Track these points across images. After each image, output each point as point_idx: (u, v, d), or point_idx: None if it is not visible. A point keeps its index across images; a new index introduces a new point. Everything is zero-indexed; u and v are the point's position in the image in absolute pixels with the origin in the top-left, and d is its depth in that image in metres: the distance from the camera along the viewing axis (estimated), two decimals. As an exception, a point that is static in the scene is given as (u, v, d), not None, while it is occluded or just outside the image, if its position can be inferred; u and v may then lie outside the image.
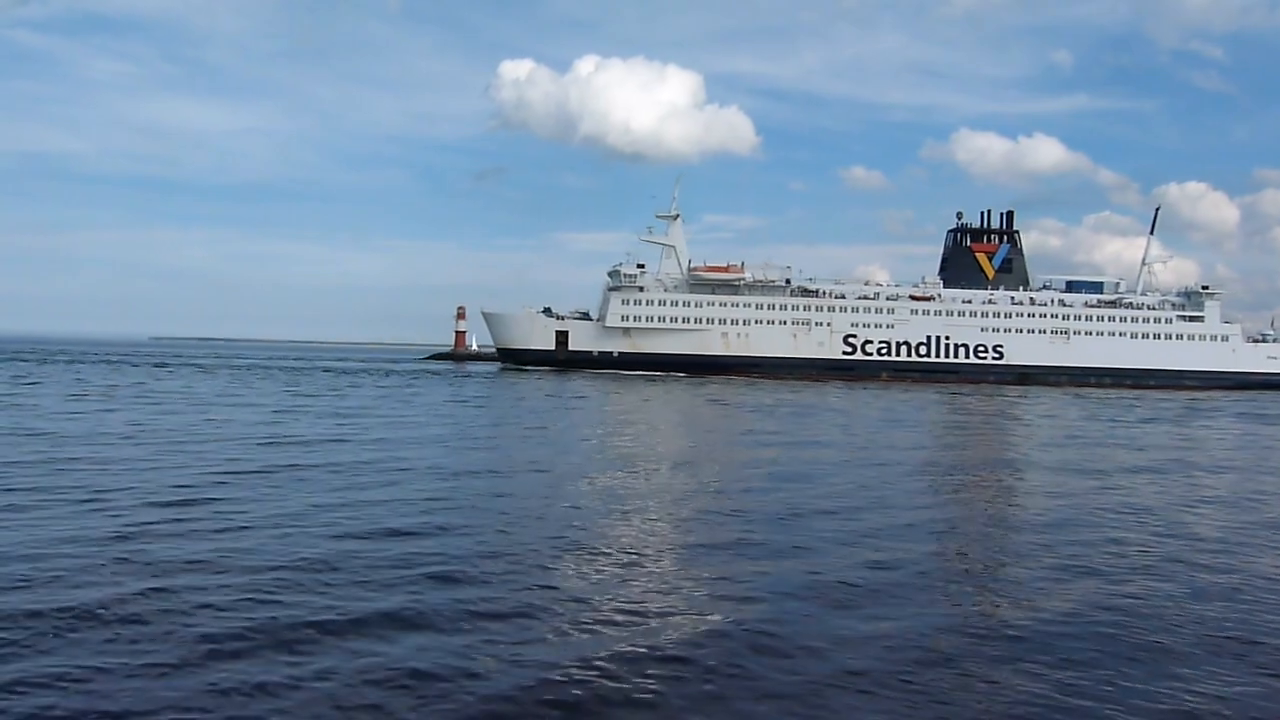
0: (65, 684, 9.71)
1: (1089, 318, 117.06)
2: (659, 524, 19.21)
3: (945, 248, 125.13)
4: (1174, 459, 34.66)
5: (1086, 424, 51.57)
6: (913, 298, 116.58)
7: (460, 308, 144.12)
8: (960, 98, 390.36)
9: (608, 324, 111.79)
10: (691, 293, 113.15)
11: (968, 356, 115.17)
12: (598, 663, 10.74)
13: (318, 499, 20.41)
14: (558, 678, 10.28)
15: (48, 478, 22.11)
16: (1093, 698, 10.16)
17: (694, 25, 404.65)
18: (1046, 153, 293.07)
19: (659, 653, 11.15)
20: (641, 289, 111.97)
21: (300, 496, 20.67)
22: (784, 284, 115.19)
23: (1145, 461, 33.32)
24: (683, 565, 15.64)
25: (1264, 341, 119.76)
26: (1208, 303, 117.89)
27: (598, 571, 14.92)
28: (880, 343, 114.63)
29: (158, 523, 17.34)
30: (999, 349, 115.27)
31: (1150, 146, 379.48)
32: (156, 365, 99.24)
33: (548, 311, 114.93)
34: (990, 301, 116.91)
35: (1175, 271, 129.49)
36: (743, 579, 14.67)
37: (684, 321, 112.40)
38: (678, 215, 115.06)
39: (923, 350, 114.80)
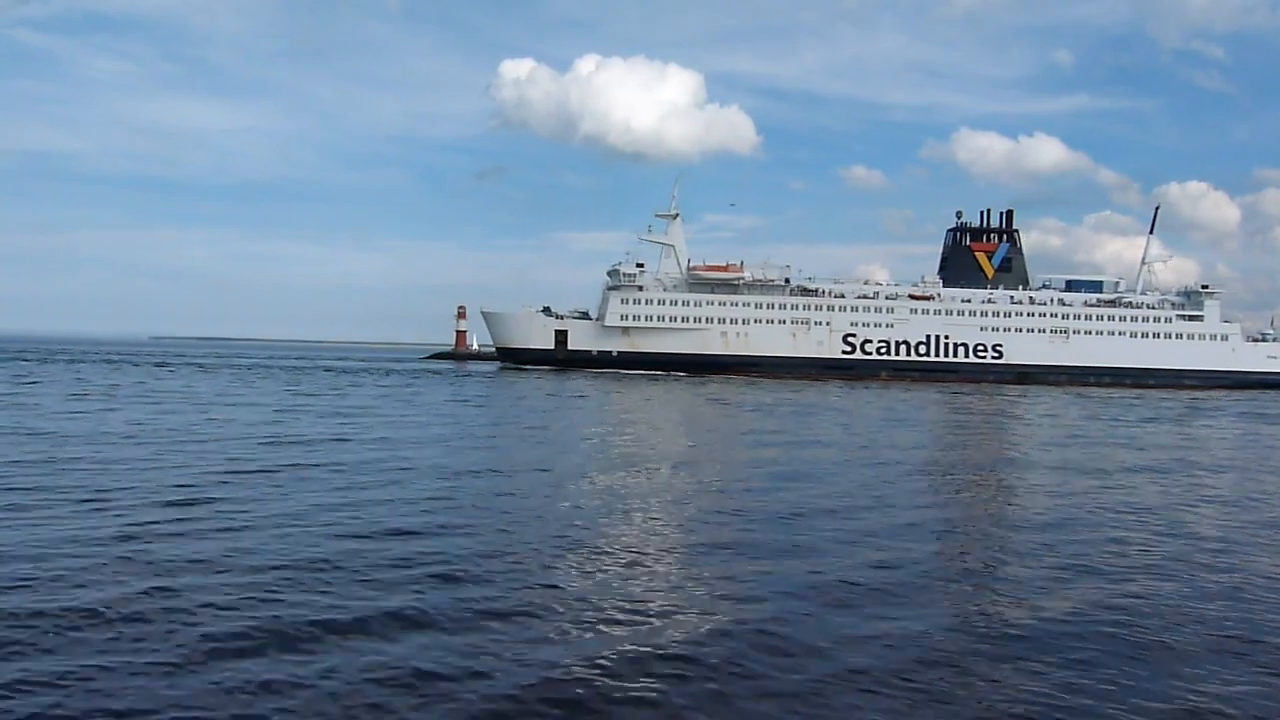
0: (68, 683, 9.72)
1: (1088, 317, 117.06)
2: (660, 523, 19.23)
3: (945, 247, 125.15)
4: (1175, 458, 34.67)
5: (1087, 423, 51.59)
6: (912, 297, 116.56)
7: (461, 307, 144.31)
8: (961, 97, 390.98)
9: (607, 323, 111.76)
10: (691, 292, 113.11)
11: (967, 356, 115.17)
12: (600, 661, 10.75)
13: (319, 499, 20.42)
14: (561, 676, 10.30)
15: (49, 477, 22.11)
16: (1095, 696, 10.17)
17: (694, 25, 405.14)
18: (1047, 152, 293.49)
19: (661, 651, 11.16)
20: (641, 288, 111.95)
21: (302, 496, 20.67)
22: (783, 283, 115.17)
23: (1147, 461, 33.32)
24: (684, 564, 15.65)
25: (1264, 341, 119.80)
26: (1207, 302, 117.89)
27: (600, 571, 14.94)
28: (879, 342, 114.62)
29: (160, 522, 17.35)
30: (998, 348, 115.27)
31: (1151, 146, 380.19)
32: (157, 365, 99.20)
33: (547, 311, 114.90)
34: (990, 301, 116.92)
35: (1176, 271, 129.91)
36: (745, 578, 14.68)
37: (683, 321, 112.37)
38: (677, 214, 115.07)
39: (922, 349, 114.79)
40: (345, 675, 10.16)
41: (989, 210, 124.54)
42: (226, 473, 23.57)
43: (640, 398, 63.95)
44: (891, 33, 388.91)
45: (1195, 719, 9.77)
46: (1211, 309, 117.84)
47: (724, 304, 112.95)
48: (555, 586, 13.89)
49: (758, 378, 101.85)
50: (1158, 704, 10.03)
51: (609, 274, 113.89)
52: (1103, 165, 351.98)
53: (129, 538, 16.01)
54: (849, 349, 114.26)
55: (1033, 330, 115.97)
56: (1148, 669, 11.07)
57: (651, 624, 12.26)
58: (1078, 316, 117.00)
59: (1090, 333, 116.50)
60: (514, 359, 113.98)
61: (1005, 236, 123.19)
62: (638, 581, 14.38)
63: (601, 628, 12.03)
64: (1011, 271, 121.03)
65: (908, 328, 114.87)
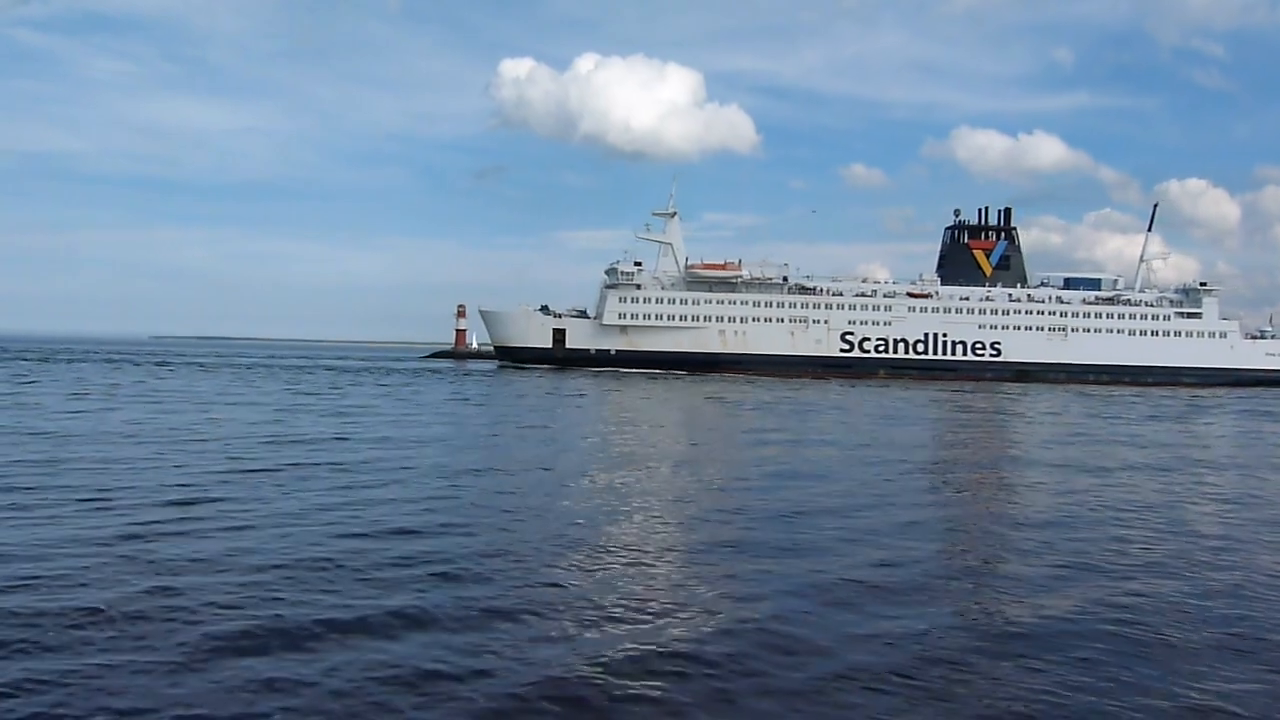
0: (71, 682, 9.72)
1: (1087, 315, 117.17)
2: (662, 521, 19.25)
3: (943, 245, 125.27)
4: (1178, 456, 34.73)
5: (1088, 421, 51.64)
6: (910, 295, 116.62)
7: (460, 306, 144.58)
8: (961, 95, 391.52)
9: (605, 322, 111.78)
10: (689, 291, 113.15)
11: (965, 354, 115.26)
12: (603, 660, 10.76)
13: (321, 498, 20.42)
14: (563, 675, 10.30)
15: (51, 477, 22.09)
16: (1097, 694, 10.18)
17: (694, 24, 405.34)
18: (1047, 150, 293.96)
19: (664, 649, 11.17)
20: (639, 287, 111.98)
21: (304, 495, 20.68)
22: (781, 282, 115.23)
23: (1149, 459, 33.34)
24: (686, 563, 15.67)
25: (1262, 338, 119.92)
26: (1206, 299, 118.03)
27: (601, 569, 14.95)
28: (878, 340, 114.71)
29: (161, 522, 17.35)
30: (996, 346, 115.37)
31: (1151, 144, 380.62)
32: (158, 364, 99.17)
33: (545, 309, 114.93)
34: (988, 299, 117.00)
35: (1176, 268, 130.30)
36: (746, 576, 14.71)
37: (681, 319, 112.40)
38: (675, 213, 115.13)
39: (920, 347, 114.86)
40: (348, 674, 10.17)
41: (987, 208, 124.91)
42: (228, 472, 23.58)
43: (639, 396, 63.99)
44: (892, 30, 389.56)
45: (1198, 717, 9.78)
46: (1210, 306, 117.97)
47: (722, 302, 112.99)
48: (557, 585, 13.91)
49: (756, 376, 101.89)
50: (1160, 702, 10.04)
51: (607, 273, 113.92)
52: (1103, 163, 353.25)
53: (131, 537, 16.01)
54: (847, 347, 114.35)
55: (1031, 328, 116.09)
56: (1150, 667, 11.08)
57: (653, 622, 12.27)
58: (1076, 314, 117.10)
59: (1089, 330, 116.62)
60: (512, 358, 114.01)
61: (1003, 234, 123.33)
62: (639, 580, 14.39)
63: (603, 626, 12.05)
64: (1010, 269, 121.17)
65: (906, 326, 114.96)
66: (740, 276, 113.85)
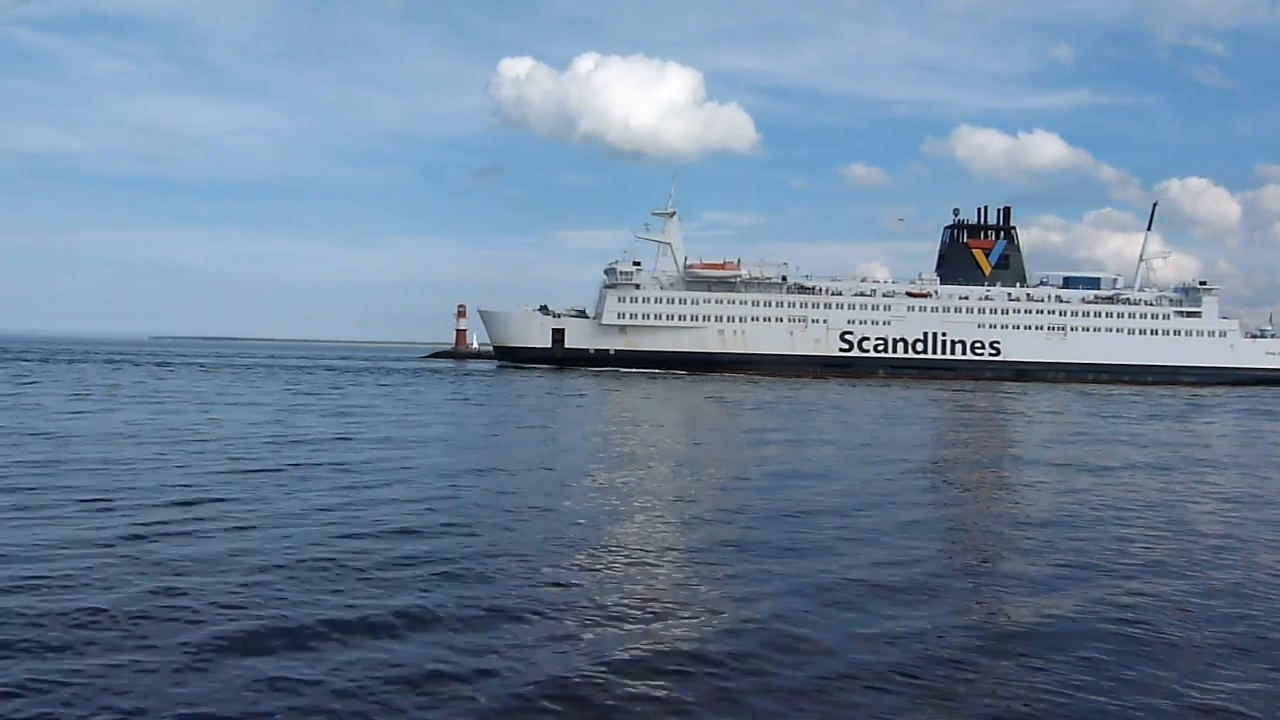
0: (76, 683, 9.73)
1: (1086, 314, 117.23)
2: (664, 521, 19.26)
3: (942, 244, 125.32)
4: (1180, 455, 34.76)
5: (1089, 420, 51.66)
6: (909, 294, 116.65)
7: (460, 306, 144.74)
8: (962, 93, 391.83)
9: (604, 322, 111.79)
10: (687, 290, 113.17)
11: (964, 353, 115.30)
12: (606, 659, 10.77)
13: (323, 498, 20.43)
14: (567, 674, 10.31)
15: (52, 478, 22.10)
16: (1099, 693, 10.20)
17: (694, 24, 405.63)
18: (1047, 149, 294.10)
19: (667, 649, 11.19)
20: (637, 286, 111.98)
21: (305, 495, 20.69)
22: (780, 281, 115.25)
23: (1150, 458, 33.35)
24: (688, 562, 15.68)
25: (1262, 337, 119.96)
26: (1205, 298, 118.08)
27: (604, 569, 14.96)
28: (877, 339, 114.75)
29: (164, 522, 17.35)
30: (996, 345, 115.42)
31: (1151, 142, 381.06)
32: (158, 364, 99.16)
33: (544, 309, 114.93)
34: (987, 298, 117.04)
35: (1176, 267, 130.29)
36: (749, 576, 14.72)
37: (680, 319, 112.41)
38: (674, 212, 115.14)
39: (919, 347, 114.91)
40: (351, 674, 10.18)
41: (986, 207, 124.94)
42: (229, 472, 23.60)
43: (639, 396, 64.02)
44: (893, 29, 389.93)
45: (1201, 716, 9.80)
46: (1209, 305, 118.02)
47: (721, 302, 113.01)
48: (559, 585, 13.92)
49: (755, 375, 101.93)
50: (1162, 701, 10.06)
51: (606, 272, 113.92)
52: (1103, 161, 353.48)
53: (133, 538, 16.02)
54: (846, 347, 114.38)
55: (1030, 327, 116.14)
56: (1152, 666, 11.09)
57: (656, 622, 12.28)
58: (1075, 313, 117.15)
59: (1088, 329, 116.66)
60: (511, 358, 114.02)
61: (1002, 233, 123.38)
62: (641, 579, 14.41)
63: (606, 625, 12.06)
64: (1009, 269, 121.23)
65: (905, 325, 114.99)
66: (739, 276, 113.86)
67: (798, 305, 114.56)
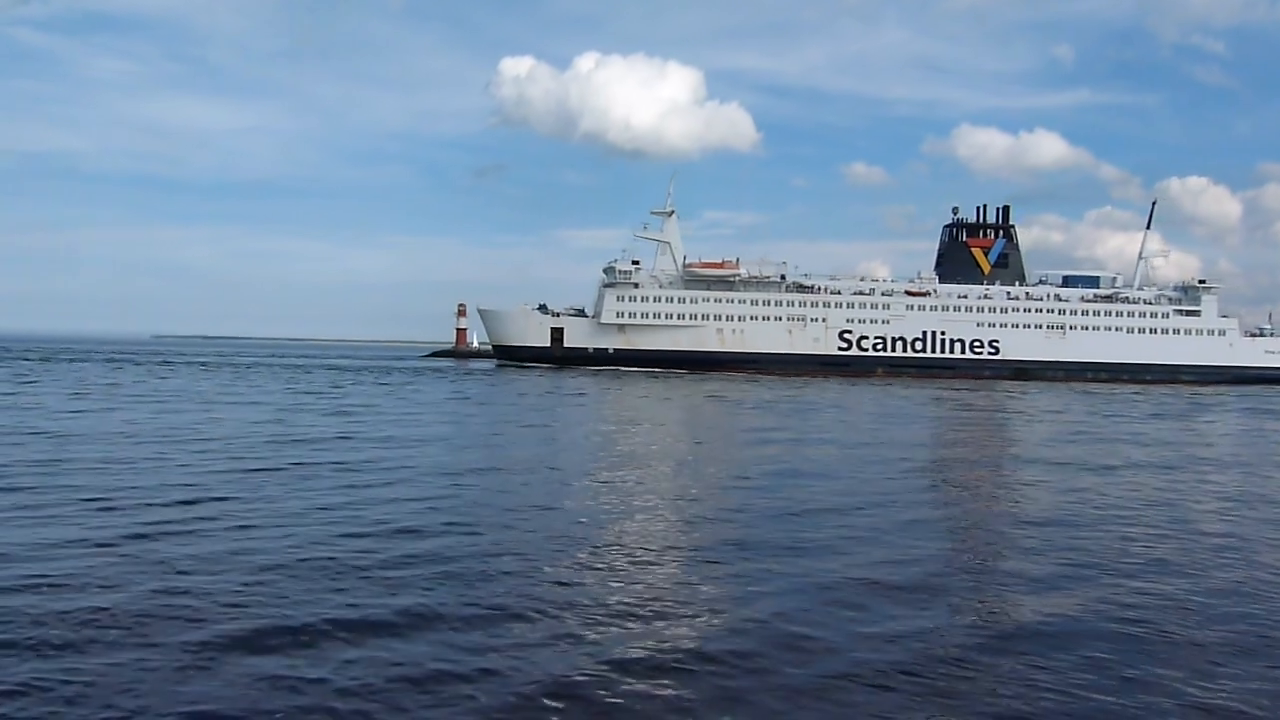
0: (79, 682, 9.73)
1: (1085, 312, 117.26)
2: (666, 521, 19.27)
3: (941, 243, 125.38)
4: (1181, 454, 34.76)
5: (1090, 419, 51.67)
6: (908, 293, 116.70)
7: (461, 305, 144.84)
8: (963, 93, 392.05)
9: (603, 321, 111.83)
10: (686, 289, 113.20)
11: (963, 352, 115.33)
12: (609, 658, 10.78)
13: (325, 497, 20.44)
14: (570, 673, 10.32)
15: (53, 477, 22.10)
16: (1101, 692, 10.20)
17: (696, 23, 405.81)
18: (1048, 148, 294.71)
19: (670, 648, 11.19)
20: (636, 285, 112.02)
21: (307, 495, 20.70)
22: (779, 280, 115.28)
23: (1152, 457, 33.37)
24: (690, 561, 15.69)
25: (1261, 336, 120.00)
26: (1205, 297, 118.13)
27: (606, 568, 14.97)
28: (876, 338, 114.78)
29: (166, 522, 17.36)
30: (995, 344, 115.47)
31: (1152, 141, 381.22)
32: (160, 364, 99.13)
33: (543, 308, 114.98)
34: (986, 296, 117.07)
35: (1177, 266, 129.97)
36: (751, 575, 14.73)
37: (679, 318, 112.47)
38: (673, 212, 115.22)
39: (918, 346, 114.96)
40: (354, 673, 10.19)
41: (985, 206, 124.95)
42: (231, 471, 23.60)
43: (639, 395, 64.04)
44: (895, 28, 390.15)
45: (1203, 715, 9.80)
46: (1209, 304, 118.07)
47: (719, 301, 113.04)
48: (562, 584, 13.93)
49: (754, 375, 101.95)
50: (1165, 700, 10.06)
51: (605, 271, 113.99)
52: (1104, 160, 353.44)
53: (135, 537, 16.02)
54: (845, 345, 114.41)
55: (1029, 326, 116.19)
56: (1154, 665, 11.09)
57: (658, 621, 12.28)
58: (1074, 312, 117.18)
59: (1087, 328, 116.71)
60: (511, 357, 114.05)
61: (1001, 232, 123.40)
62: (643, 578, 14.41)
63: (608, 624, 12.06)
64: (1008, 267, 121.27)
65: (904, 324, 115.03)
66: (738, 275, 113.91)
67: (796, 304, 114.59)
